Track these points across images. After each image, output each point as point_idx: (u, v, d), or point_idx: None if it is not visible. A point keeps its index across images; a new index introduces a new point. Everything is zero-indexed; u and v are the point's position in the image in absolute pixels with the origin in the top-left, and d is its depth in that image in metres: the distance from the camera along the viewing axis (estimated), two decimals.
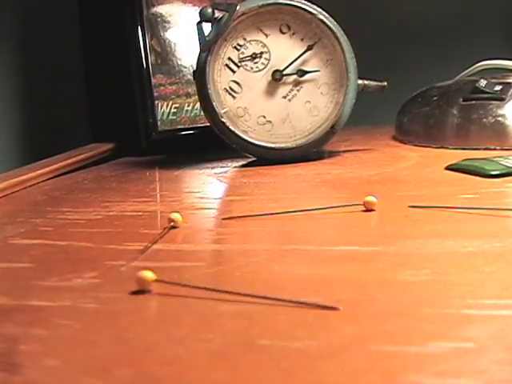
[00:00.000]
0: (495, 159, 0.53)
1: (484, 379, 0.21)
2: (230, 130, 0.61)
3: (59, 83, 0.85)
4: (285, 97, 0.62)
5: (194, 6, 0.75)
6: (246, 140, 0.61)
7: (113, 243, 0.38)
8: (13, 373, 0.23)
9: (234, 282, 0.31)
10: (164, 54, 0.73)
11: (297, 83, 0.62)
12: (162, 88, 0.73)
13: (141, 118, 0.73)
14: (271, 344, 0.24)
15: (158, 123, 0.72)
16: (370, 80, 0.64)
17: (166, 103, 0.73)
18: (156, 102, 0.72)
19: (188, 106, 0.74)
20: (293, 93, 0.62)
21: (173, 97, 0.73)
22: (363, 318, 0.26)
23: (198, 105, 0.74)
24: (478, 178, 0.50)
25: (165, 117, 0.73)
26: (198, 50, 0.62)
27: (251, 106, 0.62)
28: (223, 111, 0.61)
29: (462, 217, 0.40)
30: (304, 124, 0.62)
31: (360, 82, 0.63)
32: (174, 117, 0.73)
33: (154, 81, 0.72)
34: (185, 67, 0.74)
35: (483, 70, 0.70)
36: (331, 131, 0.62)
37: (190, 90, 0.74)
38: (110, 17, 0.75)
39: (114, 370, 0.23)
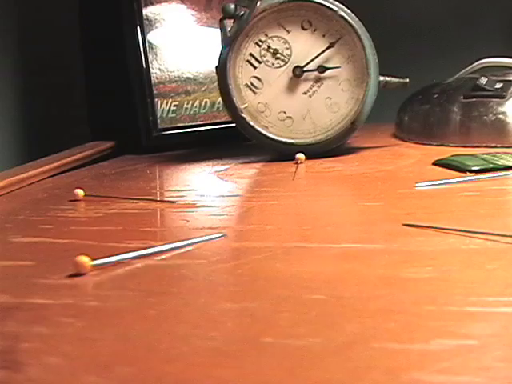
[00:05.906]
0: (483, 156, 0.54)
1: (487, 376, 0.21)
2: (250, 125, 0.61)
3: (59, 82, 0.85)
4: (305, 93, 0.62)
5: (193, 4, 0.75)
6: (266, 135, 0.61)
7: (113, 241, 0.38)
8: (15, 371, 0.22)
9: (235, 280, 0.31)
10: (163, 52, 0.73)
11: (317, 79, 0.62)
12: (161, 86, 0.73)
13: (141, 116, 0.73)
14: (274, 342, 0.24)
15: (158, 121, 0.72)
16: (392, 77, 0.64)
17: (165, 101, 0.73)
18: (156, 99, 0.72)
19: (187, 103, 0.74)
20: (313, 89, 0.62)
21: (172, 95, 0.73)
22: (366, 315, 0.26)
23: (197, 102, 0.74)
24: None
25: (164, 115, 0.73)
26: (219, 46, 0.62)
27: (272, 102, 0.62)
28: (243, 106, 0.61)
29: (464, 214, 0.40)
30: (324, 120, 0.62)
31: (382, 78, 0.63)
32: (174, 115, 0.73)
33: (153, 79, 0.72)
34: (184, 65, 0.74)
35: (484, 67, 0.70)
36: (351, 127, 0.62)
37: (189, 88, 0.74)
38: (110, 15, 0.75)
39: (117, 367, 0.22)
